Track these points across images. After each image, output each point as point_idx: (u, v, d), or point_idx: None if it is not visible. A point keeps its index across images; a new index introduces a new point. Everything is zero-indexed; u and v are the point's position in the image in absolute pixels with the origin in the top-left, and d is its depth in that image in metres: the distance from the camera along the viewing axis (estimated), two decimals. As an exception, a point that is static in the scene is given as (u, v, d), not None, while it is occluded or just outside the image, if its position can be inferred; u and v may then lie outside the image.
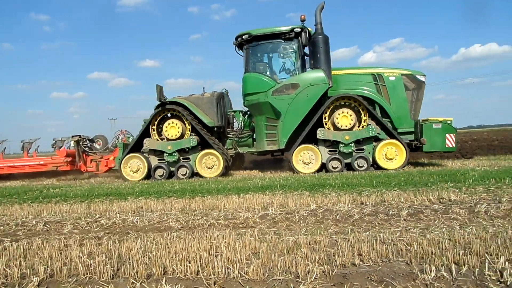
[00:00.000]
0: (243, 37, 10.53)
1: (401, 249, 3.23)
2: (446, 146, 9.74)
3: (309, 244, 3.53)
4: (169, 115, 11.02)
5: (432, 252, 3.10)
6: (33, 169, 12.64)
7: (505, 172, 7.72)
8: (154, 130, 10.91)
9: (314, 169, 9.98)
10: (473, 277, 2.65)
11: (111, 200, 6.81)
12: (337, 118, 10.00)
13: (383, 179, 7.62)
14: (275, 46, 10.81)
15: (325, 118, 10.14)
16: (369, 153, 10.02)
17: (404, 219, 4.49)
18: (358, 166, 9.91)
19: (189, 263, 3.10)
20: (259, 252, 3.34)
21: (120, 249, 3.63)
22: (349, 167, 10.03)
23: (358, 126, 10.07)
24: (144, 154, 10.82)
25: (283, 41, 10.56)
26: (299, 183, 7.63)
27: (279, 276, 2.83)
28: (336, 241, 3.59)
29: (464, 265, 2.82)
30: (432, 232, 3.76)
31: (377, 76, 10.33)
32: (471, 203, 5.05)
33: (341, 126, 9.95)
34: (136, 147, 10.97)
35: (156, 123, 10.92)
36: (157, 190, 7.69)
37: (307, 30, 10.30)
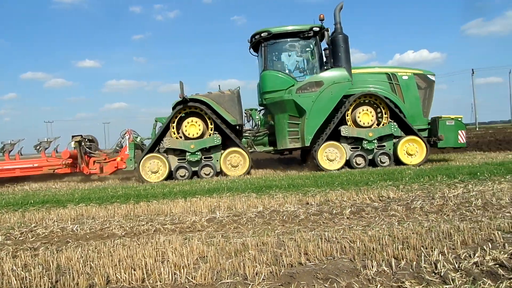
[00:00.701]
0: (262, 34, 10.47)
1: (345, 247, 3.34)
2: (459, 142, 10.31)
3: (257, 245, 3.56)
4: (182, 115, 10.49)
5: (373, 248, 3.25)
6: (25, 172, 11.51)
7: (437, 170, 8.28)
8: (174, 128, 10.41)
9: (339, 165, 10.10)
10: (411, 270, 2.80)
11: (48, 208, 6.41)
12: (358, 116, 10.22)
13: (327, 179, 7.86)
14: (293, 44, 10.80)
15: (347, 116, 10.30)
16: (389, 149, 10.31)
17: (347, 217, 4.66)
18: (381, 162, 10.16)
19: (134, 270, 3.00)
20: (206, 256, 3.31)
21: (58, 260, 3.43)
22: (371, 163, 10.24)
23: (378, 124, 10.34)
24: (163, 153, 10.33)
25: (301, 40, 10.61)
26: (246, 185, 7.66)
27: (227, 279, 2.82)
28: (283, 241, 3.64)
29: (403, 259, 2.98)
30: (373, 229, 3.93)
31: (391, 75, 10.65)
32: (408, 200, 5.35)
33: (363, 123, 10.19)
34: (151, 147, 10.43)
35: (176, 121, 10.42)
36: (99, 196, 7.36)
37: (328, 29, 10.40)
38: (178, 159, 10.39)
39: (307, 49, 10.78)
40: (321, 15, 10.35)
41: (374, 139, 10.11)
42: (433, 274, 2.71)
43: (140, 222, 5.02)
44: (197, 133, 10.20)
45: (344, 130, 10.12)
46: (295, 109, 10.26)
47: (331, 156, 10.13)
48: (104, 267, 3.14)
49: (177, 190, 7.65)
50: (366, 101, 10.40)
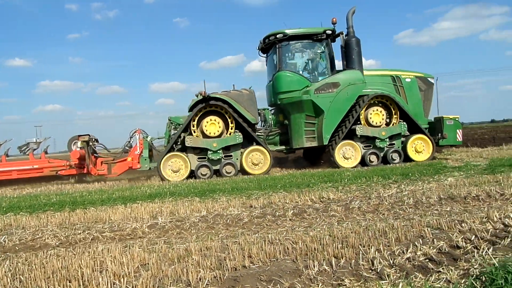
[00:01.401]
0: (277, 36, 10.61)
1: (288, 248, 3.40)
2: (457, 140, 11.21)
3: (201, 250, 3.51)
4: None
5: (315, 248, 3.34)
6: (23, 174, 10.67)
7: (373, 171, 8.71)
8: (194, 127, 10.24)
9: (355, 163, 10.46)
10: (350, 268, 2.91)
11: (-30, 219, 5.88)
12: (370, 116, 10.68)
13: (270, 182, 7.97)
14: (306, 46, 11.05)
15: (360, 115, 10.65)
16: (398, 147, 10.89)
17: (290, 219, 4.75)
18: (392, 159, 10.68)
19: (69, 282, 2.84)
20: (148, 264, 3.21)
21: (-18, 275, 3.15)
22: (384, 160, 10.69)
23: (387, 124, 10.86)
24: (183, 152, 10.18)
25: (314, 42, 10.89)
26: (189, 189, 7.56)
27: (170, 286, 2.75)
28: (227, 245, 3.63)
29: (342, 258, 3.09)
30: (314, 230, 4.04)
31: (395, 77, 11.18)
32: (347, 201, 5.57)
33: (375, 123, 10.68)
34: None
35: (196, 119, 10.22)
36: (30, 204, 6.88)
37: (343, 32, 10.76)
38: (198, 158, 10.31)
39: (319, 51, 11.07)
40: (334, 19, 10.81)
41: (386, 138, 10.68)
42: (370, 271, 2.83)
43: (77, 230, 4.77)
44: (217, 132, 10.19)
45: (359, 129, 10.58)
46: (313, 109, 10.56)
47: (347, 154, 10.54)
48: (35, 280, 2.94)
49: (116, 196, 7.36)
50: (377, 101, 10.91)
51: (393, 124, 10.86)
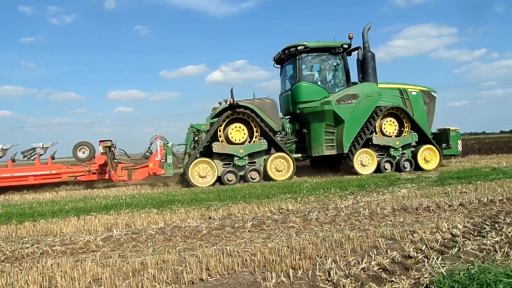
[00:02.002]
0: (298, 48, 11.05)
1: (246, 260, 3.39)
2: (458, 150, 12.08)
3: (157, 263, 3.43)
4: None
5: (273, 260, 3.35)
6: (40, 180, 10.53)
7: (332, 183, 8.89)
8: (221, 131, 10.49)
9: (372, 170, 10.90)
10: (307, 279, 2.94)
11: None
12: (384, 126, 11.24)
13: (230, 193, 7.94)
14: (324, 59, 11.54)
15: (375, 125, 11.19)
16: (408, 156, 11.46)
17: (249, 231, 4.75)
18: (404, 167, 11.19)
19: (14, 300, 2.67)
20: (101, 278, 3.09)
21: None
22: (396, 168, 11.19)
23: (399, 134, 11.43)
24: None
25: (331, 55, 11.43)
26: (147, 201, 7.38)
27: (123, 301, 2.66)
28: (184, 258, 3.57)
29: (300, 269, 3.12)
30: (273, 241, 4.06)
31: (403, 91, 11.80)
32: (305, 212, 5.64)
33: (388, 133, 11.25)
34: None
35: (224, 125, 10.48)
36: (-27, 217, 6.44)
37: (361, 47, 11.36)
38: (224, 164, 10.47)
39: (336, 63, 11.59)
40: (351, 34, 11.41)
41: (399, 147, 11.26)
42: (327, 282, 2.88)
43: (24, 244, 4.51)
44: (242, 138, 10.45)
45: (375, 139, 11.09)
46: (333, 118, 10.94)
47: (364, 162, 10.96)
48: (-24, 298, 2.75)
49: (69, 207, 7.05)
50: (390, 113, 11.44)
51: (404, 135, 11.49)
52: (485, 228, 4.07)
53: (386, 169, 11.14)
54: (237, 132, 10.43)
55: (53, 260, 3.71)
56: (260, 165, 10.65)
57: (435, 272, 2.82)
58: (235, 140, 10.38)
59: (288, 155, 10.73)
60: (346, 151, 10.90)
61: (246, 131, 10.53)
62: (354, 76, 11.77)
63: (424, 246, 3.52)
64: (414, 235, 3.93)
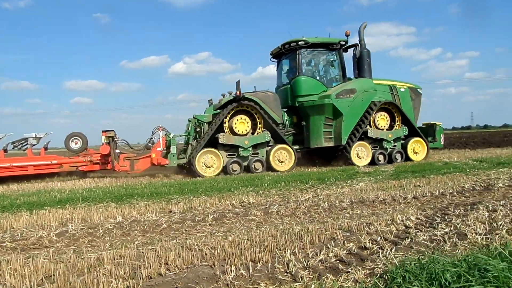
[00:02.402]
0: (299, 43, 11.42)
1: (206, 254, 3.38)
2: (441, 143, 13.22)
3: (114, 259, 3.34)
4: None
5: (233, 253, 3.35)
6: (40, 170, 10.40)
7: (292, 176, 9.01)
8: (226, 123, 10.71)
9: (367, 162, 11.49)
10: (266, 271, 2.97)
11: None
12: (377, 120, 11.95)
13: (191, 186, 7.87)
14: (323, 54, 12.03)
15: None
16: (399, 148, 12.20)
17: (210, 224, 4.73)
18: (396, 158, 11.91)
19: (-43, 300, 2.52)
20: (54, 275, 2.98)
21: None
22: (389, 160, 11.87)
23: (390, 128, 12.12)
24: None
25: (330, 51, 11.94)
26: (105, 194, 7.17)
27: (78, 298, 2.58)
28: (143, 252, 3.50)
29: (259, 262, 3.14)
30: (233, 234, 4.06)
31: (392, 87, 12.44)
32: (266, 205, 5.69)
33: (381, 126, 11.98)
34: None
35: (229, 117, 10.75)
36: None
37: (358, 44, 11.94)
38: (228, 155, 10.69)
39: (333, 59, 12.04)
40: (347, 31, 11.94)
41: (391, 140, 11.97)
42: (286, 274, 2.92)
43: (-30, 241, 4.27)
44: (246, 130, 10.77)
45: (371, 132, 11.75)
46: (332, 112, 11.41)
47: (360, 153, 11.54)
48: None
49: (21, 201, 6.74)
50: (382, 107, 12.06)
51: (396, 128, 12.20)
52: (436, 220, 4.27)
53: (380, 161, 11.75)
54: (241, 123, 10.77)
55: (1, 257, 3.53)
56: (263, 156, 10.99)
57: (389, 262, 2.93)
58: (239, 131, 10.71)
59: (290, 146, 11.14)
60: (344, 143, 11.42)
61: (249, 123, 10.89)
62: (349, 72, 12.35)
63: (379, 237, 3.65)
64: (370, 227, 4.06)
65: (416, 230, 3.89)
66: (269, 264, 3.08)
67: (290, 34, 14.26)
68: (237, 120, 10.77)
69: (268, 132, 10.94)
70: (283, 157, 10.98)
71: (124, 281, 2.83)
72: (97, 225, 4.83)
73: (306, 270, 2.94)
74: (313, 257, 3.20)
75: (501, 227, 3.79)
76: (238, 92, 10.62)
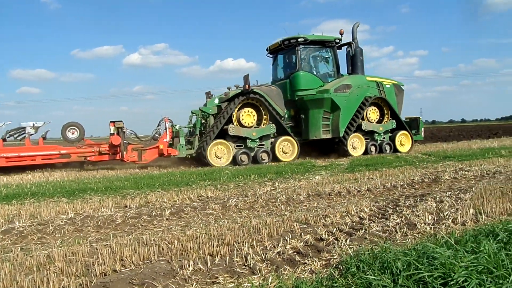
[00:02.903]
0: (299, 39, 12.05)
1: (163, 248, 3.32)
2: (422, 136, 14.33)
3: (65, 256, 3.21)
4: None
5: (191, 248, 3.32)
6: (48, 160, 10.30)
7: (251, 170, 9.05)
8: (234, 116, 11.03)
9: (361, 152, 12.29)
10: (224, 265, 2.96)
11: None
12: (369, 114, 12.73)
13: (148, 180, 7.70)
14: (319, 51, 12.69)
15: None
16: (388, 140, 13.10)
17: (167, 219, 4.65)
18: (385, 149, 12.82)
19: None
20: (-1, 275, 2.81)
21: None
22: (379, 151, 12.76)
23: (379, 121, 13.01)
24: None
25: (326, 48, 12.60)
26: (55, 189, 6.86)
27: (26, 298, 2.45)
28: (96, 249, 3.39)
29: (218, 256, 3.14)
30: (191, 229, 4.02)
31: (379, 83, 13.18)
32: (225, 199, 5.68)
33: (372, 120, 12.78)
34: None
35: (236, 110, 11.10)
36: None
37: (353, 43, 12.71)
38: (236, 146, 11.12)
39: (329, 56, 12.77)
40: (342, 30, 12.73)
41: (382, 132, 12.87)
42: (244, 267, 2.93)
43: None
44: (252, 122, 11.28)
45: (364, 125, 12.51)
46: (330, 105, 11.98)
47: (355, 144, 12.34)
48: None
49: (-39, 197, 6.30)
50: (373, 102, 12.80)
51: (385, 121, 13.03)
52: (388, 211, 4.44)
53: (371, 151, 12.71)
54: (248, 116, 11.27)
55: None
56: (268, 147, 11.51)
57: (344, 253, 3.02)
58: (246, 123, 11.19)
59: (293, 138, 11.73)
60: (341, 135, 12.06)
61: (255, 115, 11.41)
62: (342, 69, 13.22)
63: (335, 229, 3.75)
64: (326, 219, 4.16)
65: (370, 221, 4.03)
66: (227, 258, 3.07)
67: (286, 31, 15.13)
68: (244, 112, 11.22)
69: (274, 125, 11.48)
70: (287, 148, 11.62)
71: (77, 278, 2.73)
72: (47, 221, 4.61)
73: (264, 263, 2.96)
74: (271, 250, 3.23)
75: (447, 217, 4.01)
76: (247, 86, 10.96)
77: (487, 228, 3.21)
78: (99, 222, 4.52)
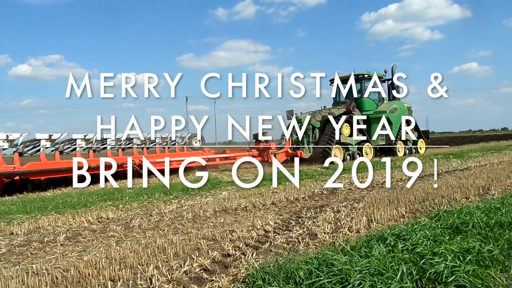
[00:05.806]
0: (365, 75, 16.89)
1: (57, 277, 3.03)
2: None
3: None
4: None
5: (89, 274, 3.08)
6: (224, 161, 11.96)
7: (155, 188, 8.75)
8: (342, 128, 15.06)
9: (403, 154, 17.22)
10: (127, 289, 2.80)
11: None
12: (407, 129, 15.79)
13: (39, 203, 7.00)
14: (374, 84, 14.12)
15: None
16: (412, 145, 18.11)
17: (62, 244, 4.27)
18: (413, 152, 18.03)
19: None
20: None
21: None
22: (410, 152, 17.95)
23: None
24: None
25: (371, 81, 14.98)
26: None
27: None
28: (-26, 284, 2.96)
29: (120, 280, 2.96)
30: (90, 253, 3.74)
31: (408, 107, 18.38)
32: (127, 219, 5.40)
33: (410, 134, 17.00)
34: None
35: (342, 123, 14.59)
36: None
37: (392, 78, 16.69)
38: (342, 148, 14.94)
39: (378, 87, 14.75)
40: (386, 69, 17.85)
41: (412, 140, 17.89)
42: (148, 290, 2.80)
43: None
44: (348, 132, 15.31)
45: (404, 136, 16.03)
46: (386, 121, 13.41)
47: (400, 149, 17.06)
48: None
49: None
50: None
51: (408, 134, 16.42)
52: (291, 223, 4.64)
53: (405, 154, 17.56)
54: (346, 128, 15.33)
55: None
56: (359, 151, 15.62)
57: (251, 266, 3.07)
58: (345, 133, 15.26)
59: (372, 144, 16.08)
60: (392, 142, 16.71)
61: (349, 128, 15.27)
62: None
63: (242, 243, 3.79)
64: (233, 234, 4.19)
65: (275, 234, 4.16)
66: (131, 282, 2.92)
67: (336, 66, 20.04)
68: (344, 126, 15.19)
69: (361, 134, 15.04)
70: (368, 152, 16.00)
71: None
72: None
73: (170, 283, 2.88)
74: (177, 269, 3.15)
75: (344, 225, 4.32)
76: (352, 107, 15.61)
77: (377, 233, 3.53)
78: (-22, 254, 3.97)
